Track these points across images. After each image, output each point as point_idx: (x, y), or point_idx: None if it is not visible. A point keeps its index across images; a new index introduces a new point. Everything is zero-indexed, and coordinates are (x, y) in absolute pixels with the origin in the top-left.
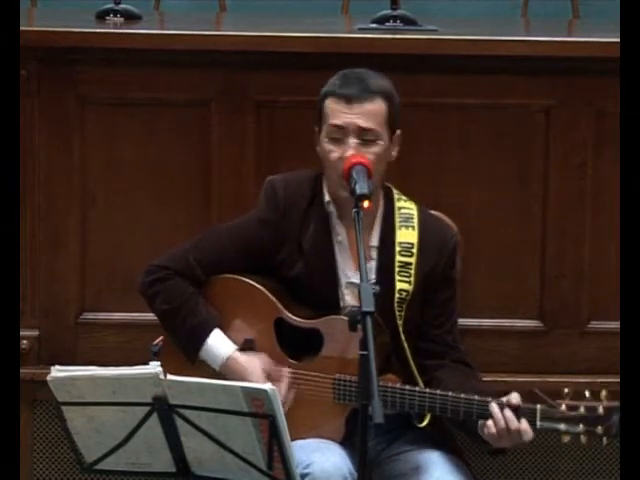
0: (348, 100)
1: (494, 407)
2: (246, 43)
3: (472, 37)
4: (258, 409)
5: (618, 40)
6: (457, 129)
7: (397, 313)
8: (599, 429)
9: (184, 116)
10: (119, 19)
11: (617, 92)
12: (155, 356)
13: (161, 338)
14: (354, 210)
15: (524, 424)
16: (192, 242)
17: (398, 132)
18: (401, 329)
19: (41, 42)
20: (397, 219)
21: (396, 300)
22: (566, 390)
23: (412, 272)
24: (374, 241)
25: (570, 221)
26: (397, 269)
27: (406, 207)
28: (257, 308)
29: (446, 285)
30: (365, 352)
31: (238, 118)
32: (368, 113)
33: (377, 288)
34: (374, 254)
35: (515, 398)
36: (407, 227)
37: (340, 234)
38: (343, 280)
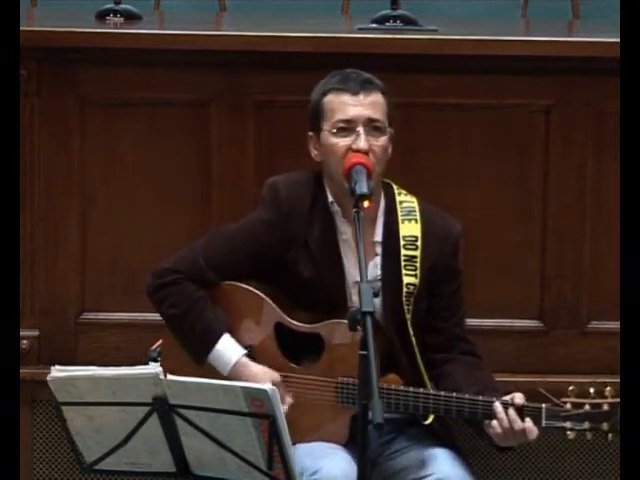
0: (355, 92)
1: (498, 407)
2: (246, 43)
3: (472, 37)
4: (258, 409)
5: (618, 40)
6: (457, 129)
7: (405, 307)
8: (604, 425)
9: (184, 116)
10: (119, 19)
11: (617, 92)
12: (154, 362)
13: (159, 342)
14: (354, 210)
15: (528, 423)
16: (201, 244)
17: (391, 130)
18: (409, 323)
19: (41, 42)
20: (399, 213)
21: (404, 294)
22: (570, 388)
23: (418, 265)
24: (377, 236)
25: (570, 221)
26: (403, 263)
27: (407, 201)
28: (256, 314)
29: (451, 277)
30: (365, 352)
31: (238, 118)
32: (375, 104)
33: (377, 287)
34: (378, 249)
35: (519, 398)
36: (410, 220)
37: (345, 233)
38: (350, 279)
